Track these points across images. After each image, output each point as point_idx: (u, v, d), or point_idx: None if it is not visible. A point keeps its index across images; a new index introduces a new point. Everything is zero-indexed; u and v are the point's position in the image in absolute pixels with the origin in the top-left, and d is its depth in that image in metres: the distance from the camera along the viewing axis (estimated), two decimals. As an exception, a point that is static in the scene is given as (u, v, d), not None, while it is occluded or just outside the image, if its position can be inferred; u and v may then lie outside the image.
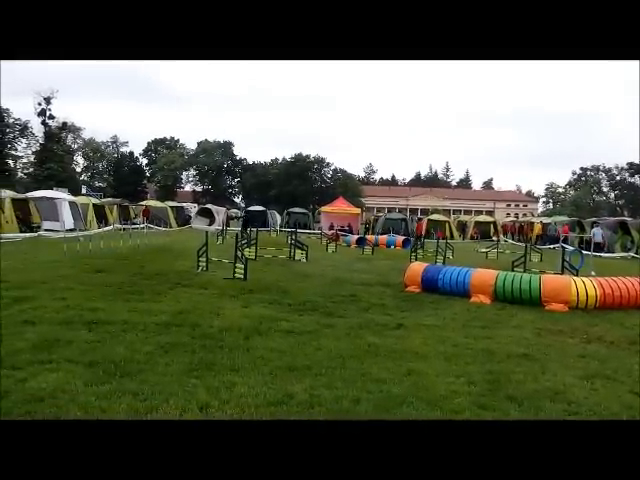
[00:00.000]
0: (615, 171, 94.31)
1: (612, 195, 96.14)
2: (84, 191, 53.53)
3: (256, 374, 4.80)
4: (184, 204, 51.39)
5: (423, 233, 33.22)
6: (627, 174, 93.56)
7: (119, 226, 28.15)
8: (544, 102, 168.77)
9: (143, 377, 4.55)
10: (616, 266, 17.76)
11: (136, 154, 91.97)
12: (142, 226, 29.24)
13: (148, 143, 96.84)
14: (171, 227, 36.81)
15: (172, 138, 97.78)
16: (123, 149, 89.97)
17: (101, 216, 32.07)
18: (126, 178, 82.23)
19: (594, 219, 37.66)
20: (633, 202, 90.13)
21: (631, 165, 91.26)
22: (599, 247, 22.40)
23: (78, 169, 79.80)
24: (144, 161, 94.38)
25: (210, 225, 37.69)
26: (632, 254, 22.90)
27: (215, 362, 5.10)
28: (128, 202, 41.24)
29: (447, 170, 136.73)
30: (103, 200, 35.33)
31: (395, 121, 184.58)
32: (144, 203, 41.97)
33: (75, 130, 77.42)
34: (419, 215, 62.24)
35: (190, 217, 43.39)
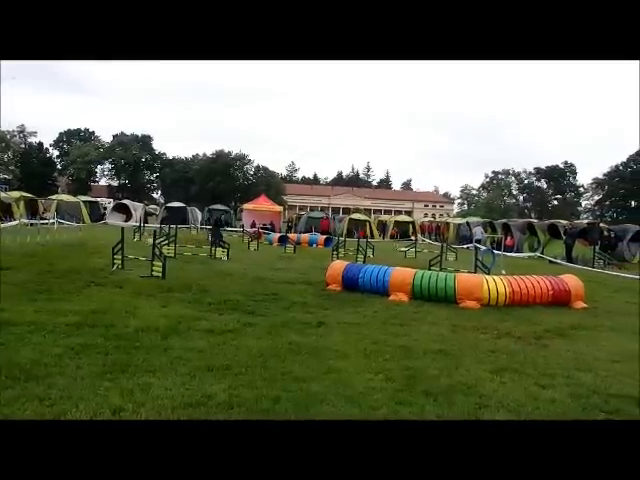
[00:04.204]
0: (523, 175, 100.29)
1: (521, 198, 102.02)
2: (-14, 183, 49.88)
3: (173, 375, 4.66)
4: (99, 199, 49.18)
5: (337, 231, 34.07)
6: (534, 178, 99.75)
7: (26, 221, 26.53)
8: (462, 106, 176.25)
9: (51, 381, 4.30)
10: (524, 265, 18.82)
11: (46, 145, 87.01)
12: (52, 221, 27.68)
13: (60, 134, 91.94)
14: (84, 223, 35.06)
15: (87, 130, 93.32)
16: (31, 139, 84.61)
17: (5, 210, 30.00)
18: (35, 170, 77.42)
19: (474, 219, 40.15)
20: (539, 205, 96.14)
21: (538, 170, 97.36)
22: (479, 243, 24.44)
23: (-20, 159, 74.19)
24: (55, 153, 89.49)
25: (127, 221, 36.35)
26: (538, 254, 24.33)
27: (130, 364, 4.91)
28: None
29: (368, 170, 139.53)
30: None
31: (317, 120, 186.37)
32: (55, 197, 39.74)
33: (-24, 117, 71.93)
34: (341, 214, 63.15)
35: (105, 213, 41.62)
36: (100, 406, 3.83)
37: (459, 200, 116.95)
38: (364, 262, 15.23)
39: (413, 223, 42.69)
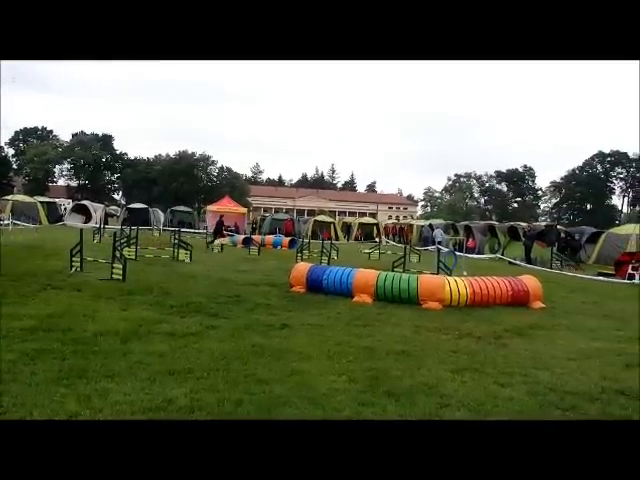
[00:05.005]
0: (485, 178, 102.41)
1: (482, 200, 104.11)
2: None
3: (133, 380, 4.56)
4: (57, 199, 47.92)
5: (302, 233, 34.29)
6: (495, 181, 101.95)
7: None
8: (428, 108, 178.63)
9: (3, 388, 4.14)
10: (485, 266, 19.17)
11: (0, 144, 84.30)
12: (7, 222, 26.83)
13: (15, 132, 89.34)
14: (41, 224, 34.08)
15: (44, 128, 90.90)
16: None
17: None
18: (-12, 170, 74.96)
19: (437, 221, 40.96)
20: (500, 207, 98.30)
21: (498, 173, 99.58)
22: (440, 244, 24.83)
23: None
24: (10, 152, 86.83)
25: (86, 222, 35.52)
26: (499, 255, 24.81)
27: (88, 369, 4.78)
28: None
29: (333, 172, 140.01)
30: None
31: (282, 121, 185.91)
32: (10, 197, 38.51)
33: None
34: (306, 216, 63.20)
35: (64, 214, 40.56)
36: (56, 413, 3.72)
37: (422, 202, 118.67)
38: (328, 264, 15.26)
39: (377, 225, 43.08)
